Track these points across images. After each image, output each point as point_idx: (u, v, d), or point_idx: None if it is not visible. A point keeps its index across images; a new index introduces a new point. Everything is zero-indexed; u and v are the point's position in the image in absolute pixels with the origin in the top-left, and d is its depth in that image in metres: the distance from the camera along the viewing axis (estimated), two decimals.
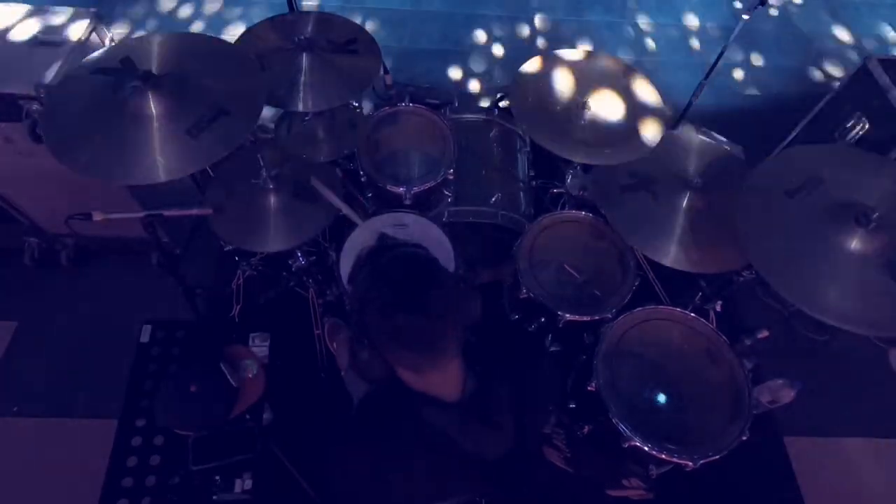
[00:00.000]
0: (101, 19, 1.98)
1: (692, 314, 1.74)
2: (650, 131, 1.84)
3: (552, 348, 1.98)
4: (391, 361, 0.92)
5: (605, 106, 1.91)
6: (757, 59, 3.33)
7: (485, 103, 2.95)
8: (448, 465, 0.96)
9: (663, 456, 1.52)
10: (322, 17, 1.95)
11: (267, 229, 1.83)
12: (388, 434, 0.97)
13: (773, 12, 3.59)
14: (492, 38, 3.32)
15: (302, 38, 1.81)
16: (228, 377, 1.73)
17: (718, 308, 1.98)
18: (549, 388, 1.12)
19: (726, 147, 2.03)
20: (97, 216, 1.50)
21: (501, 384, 0.99)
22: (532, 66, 2.01)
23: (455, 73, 3.13)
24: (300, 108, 1.77)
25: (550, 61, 2.03)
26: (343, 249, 1.87)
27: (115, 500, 1.71)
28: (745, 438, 1.52)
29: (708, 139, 2.01)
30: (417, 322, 0.85)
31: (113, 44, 2.04)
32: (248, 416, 1.77)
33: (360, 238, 1.90)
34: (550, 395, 1.12)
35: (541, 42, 3.32)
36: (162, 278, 1.95)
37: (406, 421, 0.95)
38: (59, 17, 1.93)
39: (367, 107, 2.38)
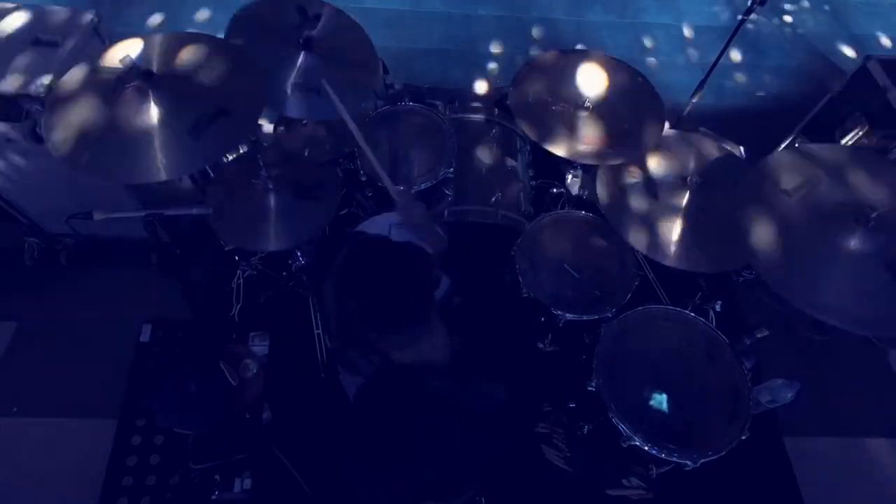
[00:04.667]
0: (102, 19, 1.98)
1: (692, 314, 1.74)
2: (650, 131, 1.85)
3: (551, 348, 1.98)
4: (387, 349, 0.95)
5: (605, 106, 1.91)
6: (757, 60, 3.33)
7: (485, 103, 2.95)
8: (453, 429, 0.98)
9: (663, 456, 1.52)
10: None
11: (267, 229, 1.83)
12: (388, 420, 0.98)
13: (773, 13, 3.59)
14: (492, 38, 3.32)
15: (302, 38, 1.81)
16: (228, 376, 1.73)
17: (718, 308, 1.98)
18: (532, 331, 1.17)
19: (727, 147, 2.04)
20: (97, 216, 1.50)
21: (487, 336, 1.03)
22: (532, 65, 2.01)
23: (455, 72, 3.13)
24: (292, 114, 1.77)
25: (550, 61, 2.03)
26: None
27: (115, 499, 1.71)
28: (744, 438, 1.52)
29: (709, 139, 2.01)
30: (394, 302, 0.90)
31: (113, 43, 2.04)
32: (247, 416, 1.78)
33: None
34: (535, 337, 1.19)
35: (541, 42, 3.32)
36: (162, 278, 1.95)
37: (406, 399, 0.96)
38: (59, 17, 1.93)
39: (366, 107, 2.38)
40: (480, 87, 3.07)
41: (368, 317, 0.92)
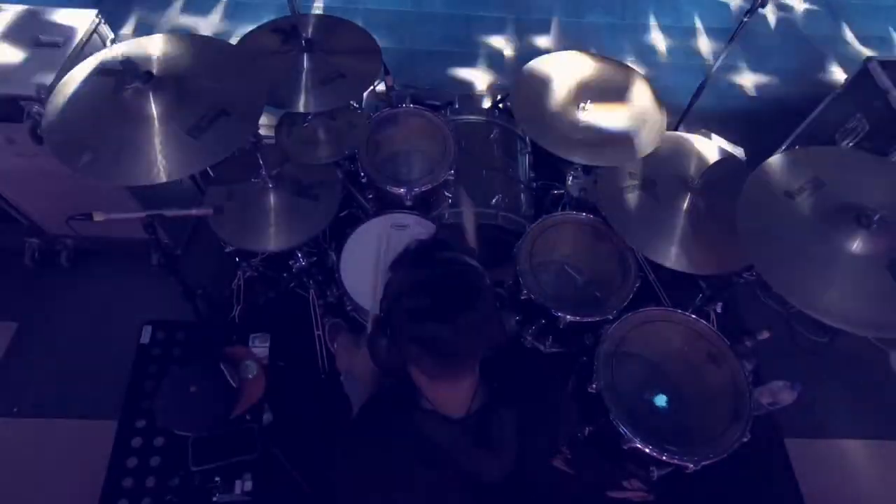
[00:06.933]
0: (103, 20, 1.98)
1: (693, 316, 1.74)
2: (650, 133, 1.84)
3: (552, 349, 1.98)
4: (408, 359, 0.90)
5: (606, 107, 1.91)
6: (757, 61, 3.33)
7: (485, 104, 2.95)
8: (445, 481, 0.94)
9: (664, 458, 1.51)
10: (323, 21, 1.95)
11: (267, 230, 1.83)
12: (386, 444, 0.95)
13: (774, 13, 3.59)
14: (492, 40, 3.32)
15: (303, 39, 1.81)
16: (228, 378, 1.73)
17: (719, 309, 1.98)
18: (560, 422, 1.09)
19: (727, 148, 2.05)
20: (98, 217, 1.49)
21: (508, 408, 0.96)
22: (532, 67, 2.01)
23: (455, 73, 3.14)
24: (301, 108, 1.78)
25: (551, 63, 2.03)
26: (343, 250, 1.87)
27: (114, 501, 1.70)
28: (745, 440, 1.52)
29: (709, 141, 2.01)
30: (444, 335, 0.83)
31: (114, 44, 2.04)
32: (248, 417, 1.77)
33: (361, 240, 1.91)
34: (561, 430, 1.08)
35: (541, 43, 3.33)
36: (162, 279, 1.95)
37: (404, 432, 0.94)
38: (60, 17, 1.93)
39: (367, 108, 2.38)
40: (481, 88, 3.07)
41: (418, 323, 0.84)
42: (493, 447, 0.93)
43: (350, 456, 0.98)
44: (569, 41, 3.35)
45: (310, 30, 1.88)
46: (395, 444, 0.95)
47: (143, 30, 3.17)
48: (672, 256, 1.73)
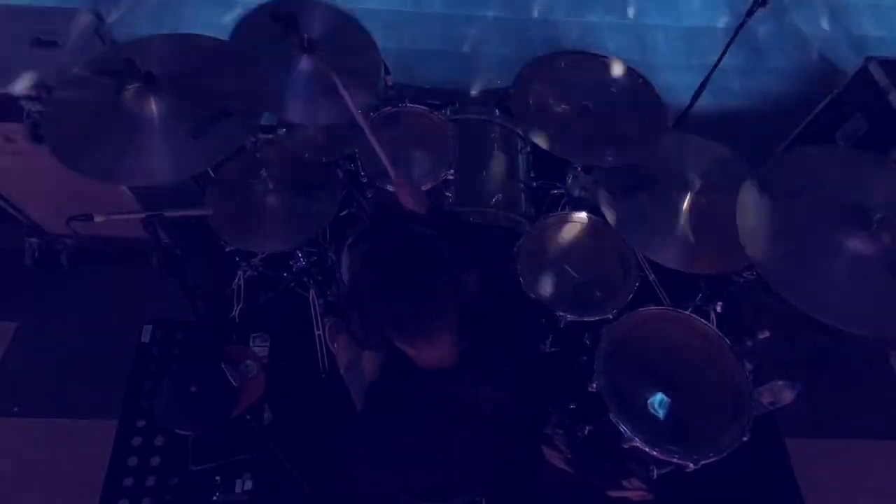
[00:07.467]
0: (103, 19, 1.98)
1: (693, 315, 1.74)
2: (650, 132, 1.84)
3: (552, 349, 1.98)
4: (379, 330, 0.93)
5: (606, 107, 1.91)
6: (757, 61, 3.33)
7: (485, 104, 2.94)
8: (464, 428, 0.96)
9: (664, 457, 1.52)
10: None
11: (267, 230, 1.83)
12: (395, 419, 0.97)
13: (774, 14, 3.58)
14: (492, 39, 3.31)
15: (304, 39, 1.81)
16: (229, 377, 1.73)
17: (719, 309, 1.98)
18: (532, 329, 1.13)
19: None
20: (98, 217, 1.49)
21: (492, 337, 1.00)
22: (533, 66, 2.01)
23: (455, 73, 3.13)
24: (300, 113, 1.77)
25: (551, 62, 2.03)
26: (343, 250, 1.87)
27: (115, 500, 1.71)
28: (745, 439, 1.52)
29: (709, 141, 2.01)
30: (402, 306, 0.86)
31: (114, 44, 2.04)
32: (248, 417, 1.77)
33: None
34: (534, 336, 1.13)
35: (541, 43, 3.32)
36: (162, 279, 1.95)
37: (412, 398, 0.95)
38: (60, 17, 1.93)
39: (366, 107, 2.38)
40: (481, 87, 3.07)
41: (379, 298, 0.88)
42: (494, 378, 0.97)
43: (367, 443, 0.99)
44: (569, 40, 3.34)
45: (312, 23, 1.86)
46: (408, 413, 0.97)
47: (143, 29, 3.16)
48: (672, 256, 1.73)
